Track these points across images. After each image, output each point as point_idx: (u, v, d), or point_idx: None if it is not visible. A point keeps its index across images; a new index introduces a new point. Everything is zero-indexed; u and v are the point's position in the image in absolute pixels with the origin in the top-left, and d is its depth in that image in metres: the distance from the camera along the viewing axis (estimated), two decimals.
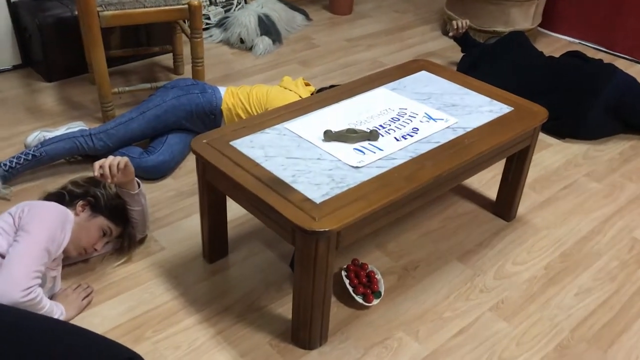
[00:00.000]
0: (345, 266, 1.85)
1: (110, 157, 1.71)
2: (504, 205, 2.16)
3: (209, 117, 2.41)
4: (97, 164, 1.69)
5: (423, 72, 2.19)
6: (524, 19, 3.50)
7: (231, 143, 1.70)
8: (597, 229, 2.14)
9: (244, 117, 2.41)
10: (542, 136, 2.70)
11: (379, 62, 3.36)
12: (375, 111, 1.92)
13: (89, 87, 2.90)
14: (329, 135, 1.74)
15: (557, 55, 3.05)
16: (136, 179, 1.82)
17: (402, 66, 2.25)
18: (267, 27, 3.41)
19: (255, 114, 2.42)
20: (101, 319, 1.67)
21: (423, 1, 4.35)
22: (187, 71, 3.12)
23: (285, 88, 2.47)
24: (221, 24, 3.50)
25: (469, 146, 1.74)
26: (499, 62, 2.94)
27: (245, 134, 1.75)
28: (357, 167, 1.62)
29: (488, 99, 2.02)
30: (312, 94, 2.49)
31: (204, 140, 1.71)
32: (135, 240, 1.89)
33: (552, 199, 2.29)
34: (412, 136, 1.78)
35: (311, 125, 1.81)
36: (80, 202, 1.77)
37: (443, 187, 1.73)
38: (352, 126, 1.81)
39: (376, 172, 1.61)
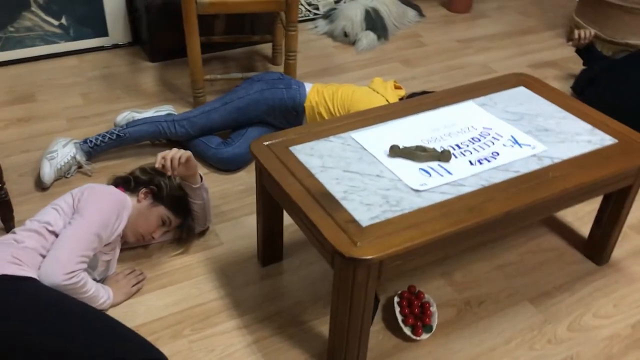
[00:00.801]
0: (400, 292, 1.72)
1: (174, 150, 1.70)
2: (596, 247, 1.91)
3: (291, 113, 2.35)
4: (160, 155, 1.69)
5: (521, 88, 1.98)
6: None
7: (291, 148, 1.63)
8: None
9: (326, 117, 2.33)
10: None
11: (488, 67, 3.12)
12: (455, 128, 1.75)
13: (188, 71, 2.96)
14: (395, 151, 1.61)
15: None
16: (200, 173, 1.81)
17: (499, 79, 2.05)
18: (373, 22, 3.29)
19: (338, 114, 2.33)
20: (146, 309, 1.69)
21: (552, 4, 3.99)
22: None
23: (374, 90, 2.35)
24: (328, 15, 3.42)
25: (553, 180, 1.54)
26: (622, 80, 2.61)
27: (308, 139, 1.67)
28: (417, 191, 1.49)
29: (589, 126, 1.78)
30: (401, 99, 2.36)
31: (265, 143, 1.65)
32: (193, 233, 1.89)
33: None
34: (489, 161, 1.61)
35: (381, 137, 1.69)
36: (143, 190, 1.79)
37: (516, 223, 1.55)
38: (424, 143, 1.67)
39: (438, 198, 1.47)
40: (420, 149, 1.61)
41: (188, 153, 1.71)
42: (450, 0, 3.80)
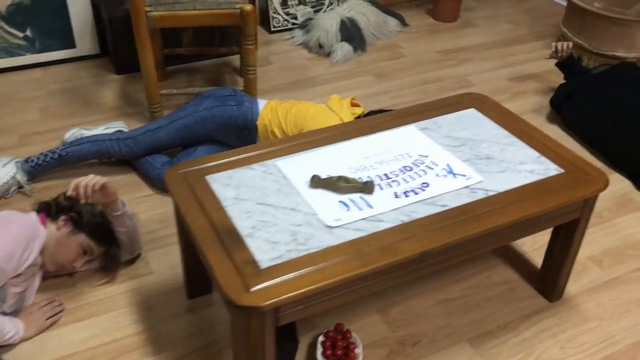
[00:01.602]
0: (326, 330, 1.61)
1: (89, 177, 1.61)
2: (548, 282, 1.78)
3: (243, 131, 2.26)
4: (73, 182, 1.61)
5: (471, 111, 1.85)
6: None
7: (207, 177, 1.53)
8: None
9: (279, 136, 2.23)
10: (635, 195, 2.22)
11: (465, 81, 2.99)
12: (389, 155, 1.64)
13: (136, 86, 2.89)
14: (316, 182, 1.50)
15: None
16: (121, 199, 1.72)
17: (451, 99, 1.92)
18: (349, 32, 3.18)
19: (291, 133, 2.23)
20: (57, 343, 1.60)
21: (544, 13, 3.83)
22: (258, 74, 2.99)
23: (330, 108, 2.25)
24: (304, 25, 3.32)
25: (481, 217, 1.42)
26: (599, 96, 2.46)
27: (228, 167, 1.57)
28: (330, 227, 1.38)
29: (536, 154, 1.65)
30: (358, 117, 2.25)
31: (181, 171, 1.55)
32: (118, 262, 1.80)
33: (619, 280, 1.85)
34: (416, 193, 1.49)
35: (307, 165, 1.58)
36: (63, 217, 1.71)
37: (438, 263, 1.43)
38: (353, 171, 1.56)
39: (352, 235, 1.36)
40: (343, 180, 1.50)
41: (104, 179, 1.62)
42: (435, 9, 3.67)
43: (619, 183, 2.28)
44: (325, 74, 3.03)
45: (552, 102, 2.65)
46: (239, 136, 2.27)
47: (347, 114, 2.21)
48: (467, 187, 1.52)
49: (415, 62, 3.17)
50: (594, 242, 1.99)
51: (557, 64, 2.79)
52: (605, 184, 1.55)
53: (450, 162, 1.61)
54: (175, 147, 2.27)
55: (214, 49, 2.95)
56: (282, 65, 3.10)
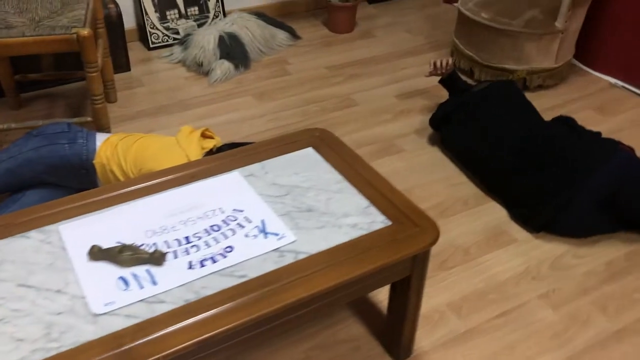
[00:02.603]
0: None
1: None
2: (393, 340, 1.61)
3: (79, 172, 2.02)
4: None
5: (308, 150, 1.67)
6: (543, 56, 2.79)
7: None
8: None
9: (120, 176, 2.00)
10: (508, 226, 2.08)
11: (349, 100, 2.81)
12: (199, 211, 1.43)
13: (4, 112, 2.62)
14: (96, 253, 1.29)
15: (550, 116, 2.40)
16: None
17: (292, 136, 1.73)
18: (229, 48, 2.96)
19: (132, 174, 2.00)
20: None
21: (445, 21, 3.68)
22: (125, 97, 2.76)
23: (178, 142, 2.03)
24: (183, 41, 3.09)
25: (283, 289, 1.22)
26: (474, 117, 2.31)
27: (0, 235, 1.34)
28: (96, 315, 1.17)
29: (366, 203, 1.47)
30: (210, 151, 2.04)
31: None
32: None
33: (477, 331, 1.69)
34: (215, 261, 1.29)
35: (97, 230, 1.35)
36: None
37: (230, 348, 1.23)
38: (148, 236, 1.35)
39: (119, 325, 1.14)
40: (128, 249, 1.29)
41: None
42: (330, 20, 3.49)
43: (493, 212, 2.14)
44: (201, 96, 2.81)
45: (431, 122, 2.49)
46: (77, 177, 2.03)
47: (195, 150, 2.00)
48: (276, 249, 1.33)
49: (300, 79, 2.98)
50: (455, 285, 1.84)
51: (440, 81, 2.64)
52: (435, 238, 1.37)
53: (265, 218, 1.41)
54: (2, 193, 2.02)
55: (71, 73, 2.69)
56: (155, 86, 2.87)
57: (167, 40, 3.20)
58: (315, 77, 3.00)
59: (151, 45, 3.17)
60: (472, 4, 2.93)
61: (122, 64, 2.94)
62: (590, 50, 3.08)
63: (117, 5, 2.81)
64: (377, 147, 2.47)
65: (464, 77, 3.01)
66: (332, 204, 1.46)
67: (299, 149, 1.67)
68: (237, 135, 2.52)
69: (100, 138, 2.05)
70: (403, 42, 3.39)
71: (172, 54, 3.10)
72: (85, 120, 2.31)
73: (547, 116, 2.66)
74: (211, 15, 3.28)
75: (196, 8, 3.23)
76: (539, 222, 2.01)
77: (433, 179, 2.29)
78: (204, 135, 2.12)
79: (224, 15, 3.30)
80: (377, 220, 1.42)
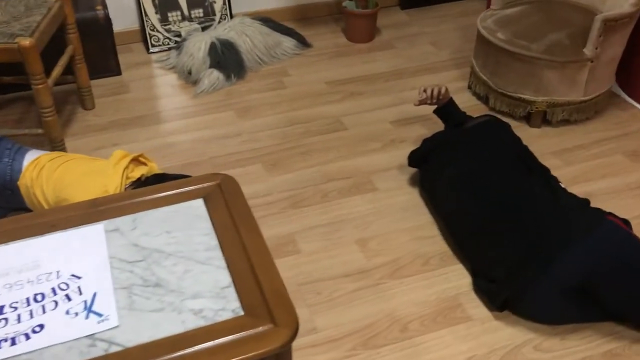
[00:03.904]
0: None
1: None
2: None
3: (4, 192, 1.90)
4: None
5: (196, 203, 1.43)
6: (567, 87, 2.37)
7: None
8: None
9: (41, 201, 1.87)
10: (467, 299, 1.74)
11: (339, 122, 2.53)
12: (34, 273, 1.23)
13: None
14: None
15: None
16: None
17: (185, 182, 1.50)
18: (220, 57, 2.75)
19: (50, 200, 1.86)
20: None
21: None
22: (105, 105, 2.63)
23: (104, 169, 1.86)
24: (178, 46, 2.92)
25: None
26: (448, 162, 1.97)
27: None
28: None
29: (228, 281, 1.21)
30: (137, 180, 1.86)
31: None
32: None
33: None
34: (15, 343, 1.09)
35: None
36: None
37: None
38: None
39: None
40: None
41: None
42: (347, 28, 3.19)
43: (454, 279, 1.80)
44: (183, 107, 2.63)
45: (410, 158, 2.16)
46: (3, 197, 1.92)
47: (115, 181, 1.82)
48: (90, 336, 1.12)
49: (294, 95, 2.72)
50: None
51: (434, 111, 2.30)
52: (285, 343, 1.11)
53: (99, 292, 1.20)
54: None
55: (18, 78, 2.53)
56: (140, 94, 2.72)
57: (169, 44, 3.05)
58: (312, 93, 2.74)
59: (150, 49, 3.04)
60: (492, 20, 2.54)
61: (111, 67, 2.82)
62: (635, 80, 2.60)
63: (105, 7, 2.68)
64: (348, 183, 2.19)
65: (479, 103, 2.64)
66: (187, 279, 1.23)
67: (189, 200, 1.44)
68: (202, 156, 2.32)
69: (30, 157, 1.92)
70: (423, 57, 3.04)
71: (168, 59, 2.94)
72: (36, 132, 2.20)
73: (560, 160, 2.28)
74: (217, 18, 3.09)
75: (201, 10, 3.05)
76: (499, 299, 1.67)
77: (398, 228, 1.98)
78: (137, 161, 1.95)
79: (231, 18, 3.10)
80: (227, 308, 1.17)
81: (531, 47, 2.34)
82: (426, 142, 2.13)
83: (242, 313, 1.15)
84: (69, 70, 2.51)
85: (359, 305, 1.72)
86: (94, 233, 1.33)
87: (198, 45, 2.77)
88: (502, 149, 1.90)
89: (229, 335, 1.11)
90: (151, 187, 1.50)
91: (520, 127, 2.50)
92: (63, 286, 1.20)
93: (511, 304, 1.67)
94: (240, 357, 1.07)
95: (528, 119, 2.51)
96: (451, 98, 2.26)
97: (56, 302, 1.17)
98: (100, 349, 1.08)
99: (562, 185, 1.83)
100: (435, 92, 2.17)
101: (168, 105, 2.65)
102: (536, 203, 1.68)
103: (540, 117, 2.47)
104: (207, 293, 1.19)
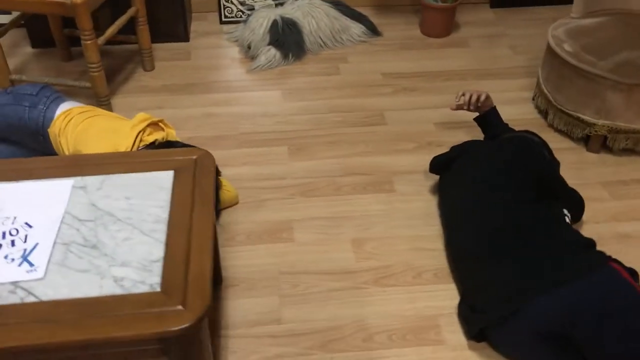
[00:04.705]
0: None
1: None
2: None
3: (37, 137, 2.03)
4: None
5: (166, 174, 1.44)
6: (634, 113, 2.11)
7: None
8: None
9: (65, 150, 1.98)
10: (446, 322, 1.62)
11: (380, 116, 2.43)
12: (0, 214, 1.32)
13: (53, 62, 2.76)
14: None
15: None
16: None
17: (166, 153, 1.52)
18: (279, 35, 2.74)
19: (70, 150, 1.96)
20: None
21: None
22: (163, 68, 2.72)
23: (122, 129, 1.93)
24: (245, 20, 2.94)
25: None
26: (460, 174, 1.83)
27: None
28: None
29: (160, 255, 1.22)
30: (152, 144, 1.91)
31: None
32: None
33: None
34: None
35: None
36: None
37: None
38: None
39: None
40: None
41: None
42: (422, 20, 3.05)
43: (441, 298, 1.69)
44: (234, 80, 2.66)
45: (431, 164, 2.04)
46: (37, 141, 2.05)
47: (127, 141, 1.88)
48: (14, 282, 1.17)
49: (345, 82, 2.66)
50: None
51: (475, 119, 2.15)
52: (183, 328, 1.09)
53: (40, 243, 1.25)
54: None
55: (114, 36, 2.70)
56: (199, 62, 2.79)
57: (241, 16, 3.09)
58: (364, 82, 2.66)
59: (223, 19, 3.10)
60: (564, 29, 2.32)
61: (179, 33, 2.91)
62: None
63: None
64: (368, 180, 2.11)
65: (539, 118, 2.43)
66: (124, 247, 1.25)
67: (160, 170, 1.46)
68: (233, 131, 2.34)
69: (64, 108, 2.04)
70: (496, 60, 2.85)
71: (235, 32, 2.99)
72: (85, 85, 2.33)
73: (607, 192, 2.07)
74: None
75: None
76: (474, 329, 1.54)
77: (400, 235, 1.89)
78: (157, 126, 2.00)
79: None
80: (147, 282, 1.17)
81: (598, 64, 2.11)
82: (453, 149, 2.00)
83: (158, 289, 1.16)
84: (133, 30, 2.63)
85: (332, 306, 1.66)
86: (61, 187, 1.39)
87: (260, 21, 2.78)
88: (517, 170, 1.72)
89: (136, 309, 1.12)
90: (130, 152, 1.54)
91: (577, 149, 2.28)
92: (13, 232, 1.27)
93: (488, 336, 1.54)
94: (138, 332, 1.08)
95: (587, 141, 2.28)
96: (494, 107, 2.10)
97: (0, 246, 1.23)
98: (18, 297, 1.13)
99: (567, 220, 1.64)
100: (474, 98, 2.03)
101: (221, 77, 2.69)
102: (533, 235, 1.52)
103: (600, 142, 2.23)
104: (135, 263, 1.21)
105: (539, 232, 1.53)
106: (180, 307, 1.13)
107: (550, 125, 2.38)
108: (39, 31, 2.80)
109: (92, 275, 1.19)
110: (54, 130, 1.99)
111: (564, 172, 2.13)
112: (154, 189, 1.40)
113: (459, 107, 2.09)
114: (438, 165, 2.00)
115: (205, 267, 1.20)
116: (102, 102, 2.33)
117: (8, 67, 2.34)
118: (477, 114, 2.13)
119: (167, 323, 1.10)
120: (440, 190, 1.95)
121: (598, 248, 1.57)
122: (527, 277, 1.45)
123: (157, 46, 2.88)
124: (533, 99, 2.53)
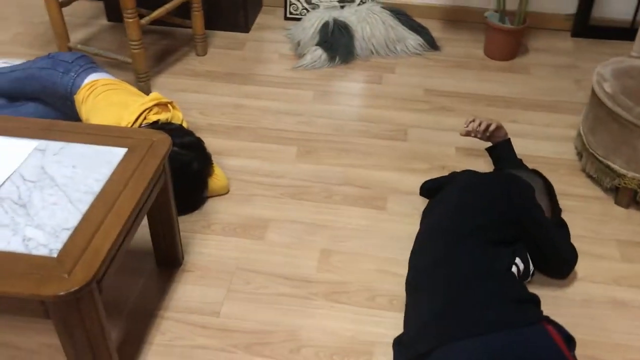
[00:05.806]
0: None
1: None
2: None
3: (65, 101, 2.20)
4: None
5: (119, 151, 1.50)
6: None
7: None
8: None
9: (83, 117, 2.13)
10: (381, 350, 1.54)
11: (402, 132, 2.35)
12: None
13: (118, 36, 2.95)
14: None
15: None
16: None
17: (130, 131, 1.58)
18: (327, 37, 2.73)
19: (84, 118, 2.10)
20: None
21: None
22: (214, 55, 2.82)
23: (142, 105, 2.03)
24: (301, 18, 2.96)
25: None
26: (446, 200, 1.71)
27: None
28: None
29: (74, 224, 1.27)
30: (155, 123, 2.00)
31: None
32: None
33: None
34: None
35: None
36: None
37: None
38: None
39: None
40: None
41: None
42: (486, 41, 2.90)
43: (388, 325, 1.60)
44: (274, 76, 2.70)
45: (421, 189, 1.93)
46: (65, 105, 2.23)
47: (132, 116, 1.99)
48: None
49: (383, 93, 2.60)
50: None
51: (487, 148, 2.02)
52: (56, 295, 1.13)
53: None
54: (11, 96, 2.32)
55: (171, 18, 2.83)
56: (248, 54, 2.86)
57: (304, 14, 3.12)
58: (402, 95, 2.59)
59: (287, 15, 3.15)
60: (612, 67, 2.10)
61: (239, 23, 3.00)
62: None
63: None
64: (362, 193, 2.06)
65: (573, 159, 2.23)
66: (47, 210, 1.32)
67: (115, 146, 1.52)
68: (252, 124, 2.38)
69: (92, 77, 2.18)
70: (554, 92, 2.65)
71: (292, 29, 3.02)
72: (126, 60, 2.47)
73: (620, 252, 1.90)
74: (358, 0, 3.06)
75: None
76: None
77: (372, 254, 1.82)
78: (166, 107, 2.08)
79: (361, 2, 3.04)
80: (49, 247, 1.24)
81: (634, 110, 1.89)
82: (449, 175, 1.90)
83: (54, 256, 1.22)
84: (189, 15, 2.76)
85: (274, 310, 1.65)
86: (23, 148, 1.50)
87: (313, 21, 2.80)
88: (492, 207, 1.59)
89: (26, 269, 1.18)
90: (96, 125, 1.63)
91: (605, 200, 2.07)
92: None
93: None
94: (17, 290, 1.15)
95: (617, 193, 2.06)
96: (508, 139, 1.96)
97: None
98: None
99: (516, 271, 1.49)
100: (482, 127, 1.91)
101: (263, 71, 2.74)
102: (471, 279, 1.41)
103: (629, 196, 2.01)
104: (49, 228, 1.28)
105: (478, 277, 1.42)
106: (65, 275, 1.18)
107: (583, 170, 2.18)
108: (114, 6, 3.01)
109: (7, 231, 1.27)
110: (78, 97, 2.15)
111: (582, 222, 1.98)
112: (102, 162, 1.47)
113: (468, 134, 1.97)
114: (428, 189, 1.91)
115: (105, 244, 1.24)
116: (141, 78, 2.47)
117: (67, 34, 2.56)
118: (490, 144, 2.01)
119: (45, 288, 1.16)
120: (422, 215, 1.86)
121: (587, 310, 1.44)
122: (448, 320, 1.35)
123: (216, 33, 3.00)
124: (575, 139, 2.33)
